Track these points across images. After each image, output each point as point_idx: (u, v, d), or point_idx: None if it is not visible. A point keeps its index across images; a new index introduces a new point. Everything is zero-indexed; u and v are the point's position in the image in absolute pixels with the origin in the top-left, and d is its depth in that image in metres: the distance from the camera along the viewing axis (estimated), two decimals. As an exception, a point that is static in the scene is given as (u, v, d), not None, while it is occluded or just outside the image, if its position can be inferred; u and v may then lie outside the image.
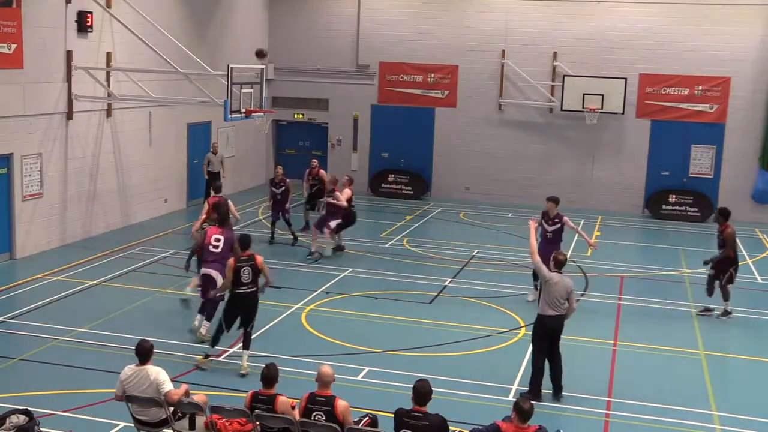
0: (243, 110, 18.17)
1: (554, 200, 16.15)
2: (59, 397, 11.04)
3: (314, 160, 22.30)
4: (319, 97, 29.28)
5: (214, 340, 12.43)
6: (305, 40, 29.04)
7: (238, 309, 12.16)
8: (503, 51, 27.37)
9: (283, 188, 20.26)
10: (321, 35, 28.91)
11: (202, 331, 13.21)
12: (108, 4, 20.05)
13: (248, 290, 12.10)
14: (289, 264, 18.50)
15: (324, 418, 8.39)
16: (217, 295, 12.87)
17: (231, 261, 12.12)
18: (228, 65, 17.85)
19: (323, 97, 29.27)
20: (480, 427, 8.32)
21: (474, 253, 19.91)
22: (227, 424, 8.82)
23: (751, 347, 14.60)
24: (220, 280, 12.97)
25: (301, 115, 29.62)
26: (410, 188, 28.16)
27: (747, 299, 17.70)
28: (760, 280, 19.19)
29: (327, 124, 29.52)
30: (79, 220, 19.97)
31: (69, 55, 19.06)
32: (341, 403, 8.48)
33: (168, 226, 22.18)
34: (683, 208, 26.31)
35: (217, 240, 13.36)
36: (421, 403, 8.18)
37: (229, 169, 26.67)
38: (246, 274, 12.02)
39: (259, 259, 12.22)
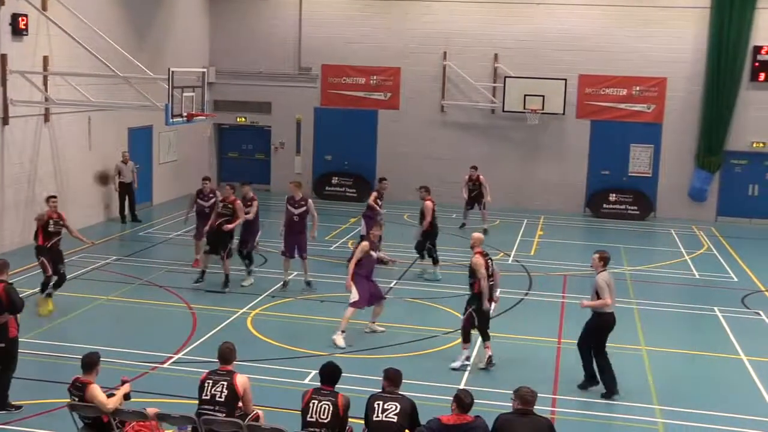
0: (185, 114, 17.99)
1: (297, 184, 17.26)
2: (-1, 409, 10.81)
3: (227, 187, 17.50)
4: (261, 100, 29.11)
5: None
6: (247, 43, 28.86)
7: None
8: (445, 53, 27.55)
9: (213, 200, 17.83)
10: (263, 38, 28.76)
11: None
12: (43, 7, 19.66)
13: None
14: (233, 268, 18.35)
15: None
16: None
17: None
18: (169, 69, 17.67)
19: (266, 101, 29.11)
20: (423, 426, 8.39)
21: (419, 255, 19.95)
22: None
23: (689, 341, 14.91)
24: None
25: (243, 119, 29.43)
26: (354, 190, 28.16)
27: (686, 295, 18.12)
28: (697, 276, 19.62)
29: (270, 127, 29.38)
30: (17, 227, 19.54)
31: (3, 58, 18.65)
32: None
33: (109, 233, 21.87)
34: (623, 206, 26.77)
35: None
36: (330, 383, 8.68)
37: (170, 175, 26.47)
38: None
39: None
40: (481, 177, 23.22)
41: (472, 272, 12.86)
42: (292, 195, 16.96)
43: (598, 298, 11.88)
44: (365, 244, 14.35)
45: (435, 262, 18.47)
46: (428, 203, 18.25)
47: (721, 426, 11.18)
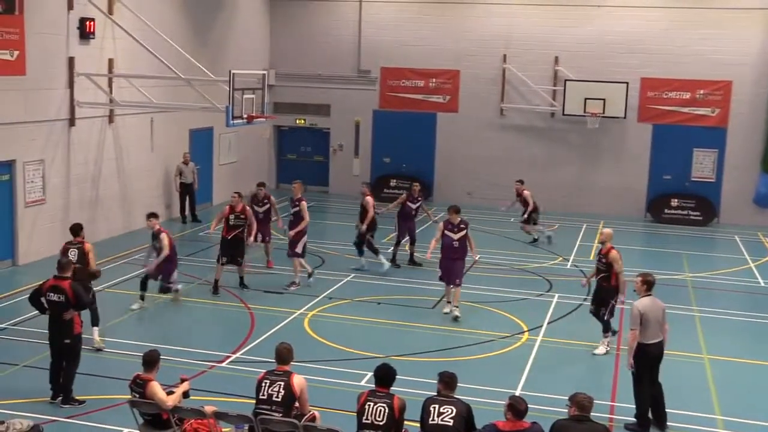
0: (245, 116, 18.20)
1: (297, 184, 17.51)
2: (62, 404, 11.05)
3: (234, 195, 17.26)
4: (320, 102, 29.28)
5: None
6: (306, 45, 29.07)
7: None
8: (504, 55, 27.38)
9: (268, 206, 18.37)
10: (322, 41, 28.94)
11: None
12: (110, 11, 20.08)
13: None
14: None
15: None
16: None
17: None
18: (230, 71, 17.91)
19: (325, 103, 29.28)
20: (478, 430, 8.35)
21: (476, 258, 19.86)
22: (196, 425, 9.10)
23: (754, 350, 14.57)
24: None
25: (302, 121, 29.64)
26: (412, 193, 28.10)
27: (750, 303, 17.71)
28: (762, 284, 19.17)
29: (329, 129, 29.54)
30: (81, 226, 19.91)
31: (71, 61, 19.09)
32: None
33: (170, 232, 22.16)
34: (685, 212, 26.30)
35: None
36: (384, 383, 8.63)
37: (230, 175, 26.77)
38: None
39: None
40: (525, 192, 21.83)
41: (608, 266, 13.52)
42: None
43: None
44: (440, 224, 15.54)
45: (376, 253, 18.72)
46: (369, 198, 18.59)
47: (785, 438, 10.92)
